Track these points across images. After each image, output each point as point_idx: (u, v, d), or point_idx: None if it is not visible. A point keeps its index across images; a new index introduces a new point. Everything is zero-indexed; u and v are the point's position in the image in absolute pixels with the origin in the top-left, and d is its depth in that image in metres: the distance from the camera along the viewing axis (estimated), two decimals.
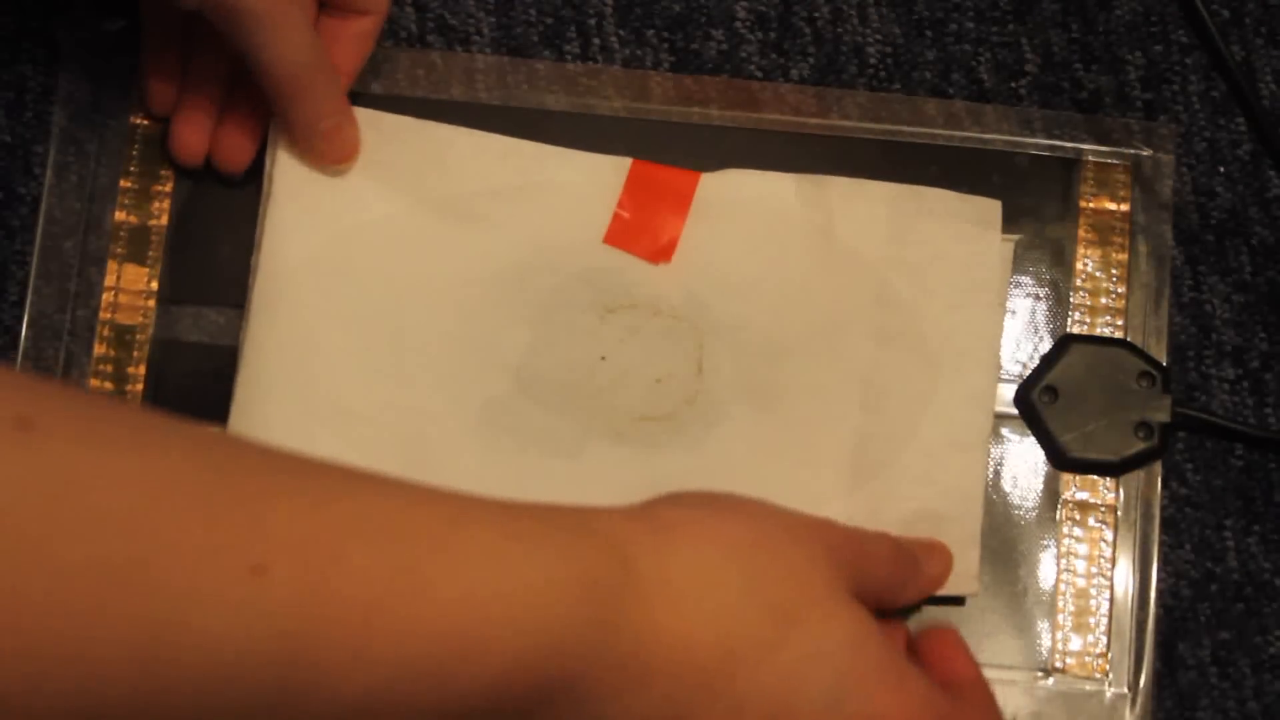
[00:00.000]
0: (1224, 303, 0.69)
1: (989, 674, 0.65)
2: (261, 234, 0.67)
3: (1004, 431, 0.67)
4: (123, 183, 0.68)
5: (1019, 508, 0.67)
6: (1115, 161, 0.69)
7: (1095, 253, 0.69)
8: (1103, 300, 0.68)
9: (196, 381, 0.67)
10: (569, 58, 0.71)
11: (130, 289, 0.68)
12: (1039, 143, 0.70)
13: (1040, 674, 0.66)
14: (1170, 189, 0.70)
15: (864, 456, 0.66)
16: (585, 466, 0.66)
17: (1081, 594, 0.66)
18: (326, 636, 0.47)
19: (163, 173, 0.69)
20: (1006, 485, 0.67)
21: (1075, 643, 0.66)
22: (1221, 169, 0.70)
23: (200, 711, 0.46)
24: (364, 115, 0.68)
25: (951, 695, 0.58)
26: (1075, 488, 0.67)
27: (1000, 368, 0.68)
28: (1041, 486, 0.67)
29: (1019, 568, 0.67)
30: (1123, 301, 0.69)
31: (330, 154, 0.66)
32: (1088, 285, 0.69)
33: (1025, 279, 0.69)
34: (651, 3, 0.71)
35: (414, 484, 0.51)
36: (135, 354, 0.67)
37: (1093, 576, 0.66)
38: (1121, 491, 0.67)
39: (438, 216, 0.68)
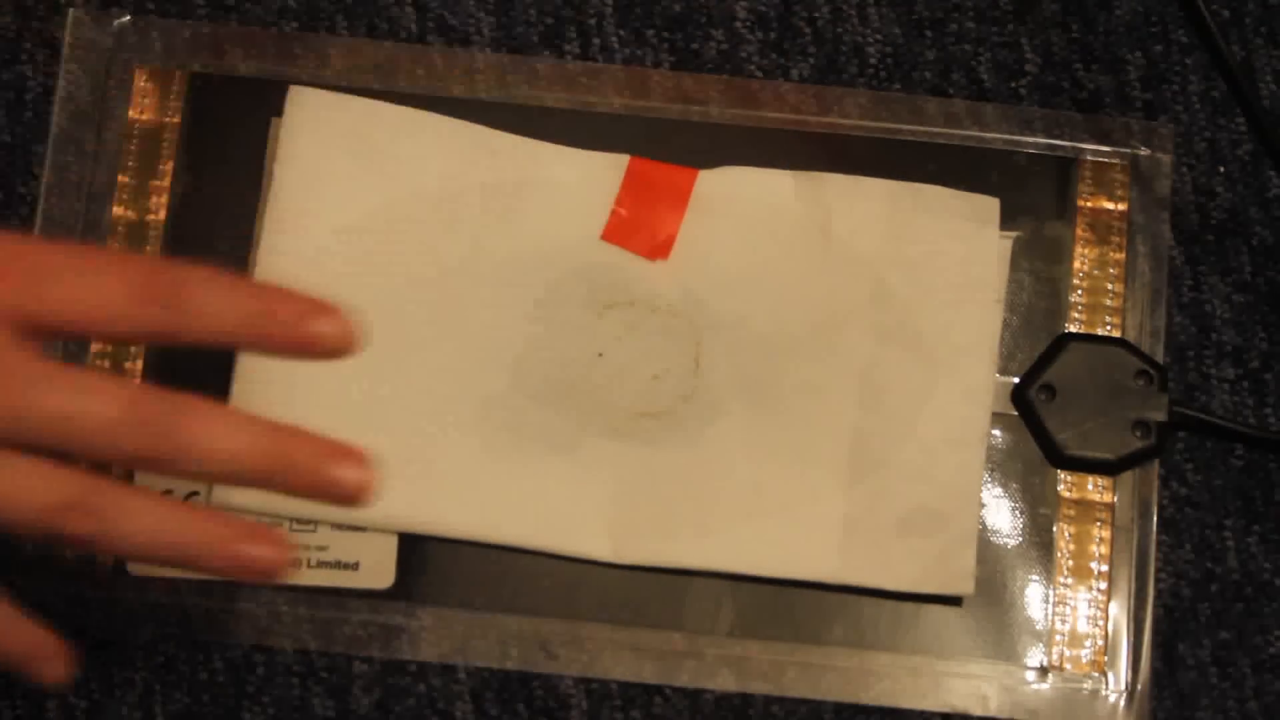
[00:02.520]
0: (1224, 303, 0.69)
1: (987, 672, 0.65)
2: (260, 229, 0.67)
3: (1001, 429, 0.67)
4: (120, 178, 0.69)
5: (1016, 506, 0.67)
6: (1113, 161, 0.69)
7: (1093, 252, 0.69)
8: (1100, 299, 0.68)
9: (193, 377, 0.67)
10: (569, 58, 0.71)
11: None
12: (1038, 142, 0.70)
13: (1038, 673, 0.66)
14: (1168, 188, 0.69)
15: (861, 454, 0.66)
16: (582, 463, 0.66)
17: (1079, 593, 0.66)
18: None
19: (160, 168, 0.69)
20: (1003, 483, 0.67)
21: (1074, 642, 0.66)
22: (1221, 169, 0.70)
23: None
24: (365, 106, 0.68)
25: None
26: (1072, 486, 0.67)
27: (998, 365, 0.67)
28: (1038, 484, 0.67)
29: (1016, 566, 0.66)
30: (1120, 300, 0.68)
31: None
32: (1085, 284, 0.69)
33: (1023, 277, 0.69)
34: (651, 3, 0.71)
35: None
36: (132, 349, 0.67)
37: (1091, 575, 0.66)
38: (1119, 490, 0.67)
39: (436, 211, 0.68)
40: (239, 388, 0.66)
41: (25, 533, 0.50)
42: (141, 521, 0.50)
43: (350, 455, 0.51)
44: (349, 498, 0.51)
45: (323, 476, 0.51)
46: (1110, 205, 0.69)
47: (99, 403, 0.49)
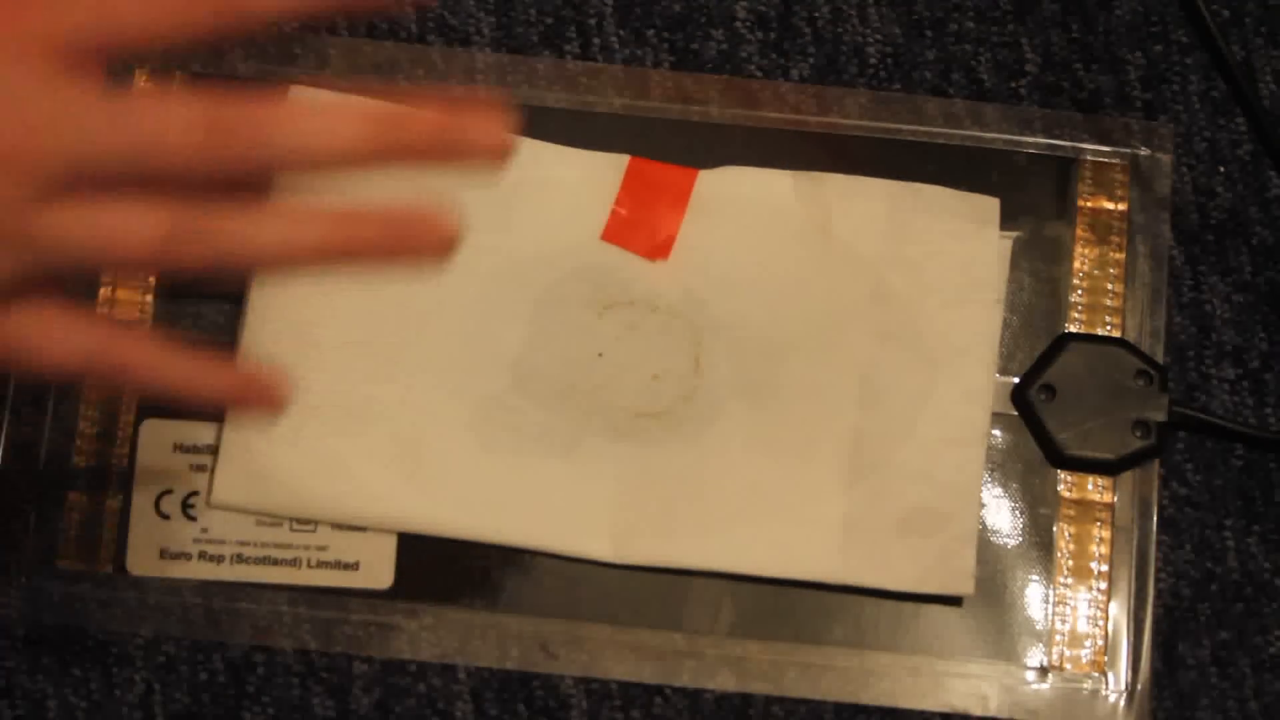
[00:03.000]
0: (1224, 303, 0.69)
1: (987, 672, 0.65)
2: None
3: (1001, 429, 0.67)
4: None
5: (1016, 506, 0.67)
6: (1113, 161, 0.69)
7: (1093, 252, 0.69)
8: (1100, 299, 0.68)
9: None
10: (569, 58, 0.71)
11: (128, 284, 0.68)
12: (1038, 142, 0.70)
13: (1038, 673, 0.66)
14: (1168, 188, 0.69)
15: (861, 454, 0.66)
16: (582, 463, 0.66)
17: (1079, 593, 0.66)
18: None
19: None
20: (1004, 483, 0.67)
21: (1074, 642, 0.66)
22: (1221, 169, 0.70)
23: None
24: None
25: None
26: (1072, 486, 0.67)
27: (998, 365, 0.67)
28: (1038, 484, 0.67)
29: (1016, 566, 0.66)
30: (1120, 300, 0.68)
31: None
32: (1085, 284, 0.69)
33: (1023, 277, 0.69)
34: (651, 3, 0.71)
35: None
36: None
37: (1091, 575, 0.66)
38: (1119, 490, 0.67)
39: None
40: None
41: (141, 268, 0.47)
42: (272, 228, 0.47)
43: (480, 113, 0.47)
44: (490, 155, 0.47)
45: (454, 140, 0.47)
46: (1110, 205, 0.69)
47: (176, 124, 0.46)
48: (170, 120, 0.46)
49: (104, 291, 0.68)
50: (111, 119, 0.46)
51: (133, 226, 0.46)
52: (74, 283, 0.67)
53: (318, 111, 0.47)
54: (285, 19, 0.47)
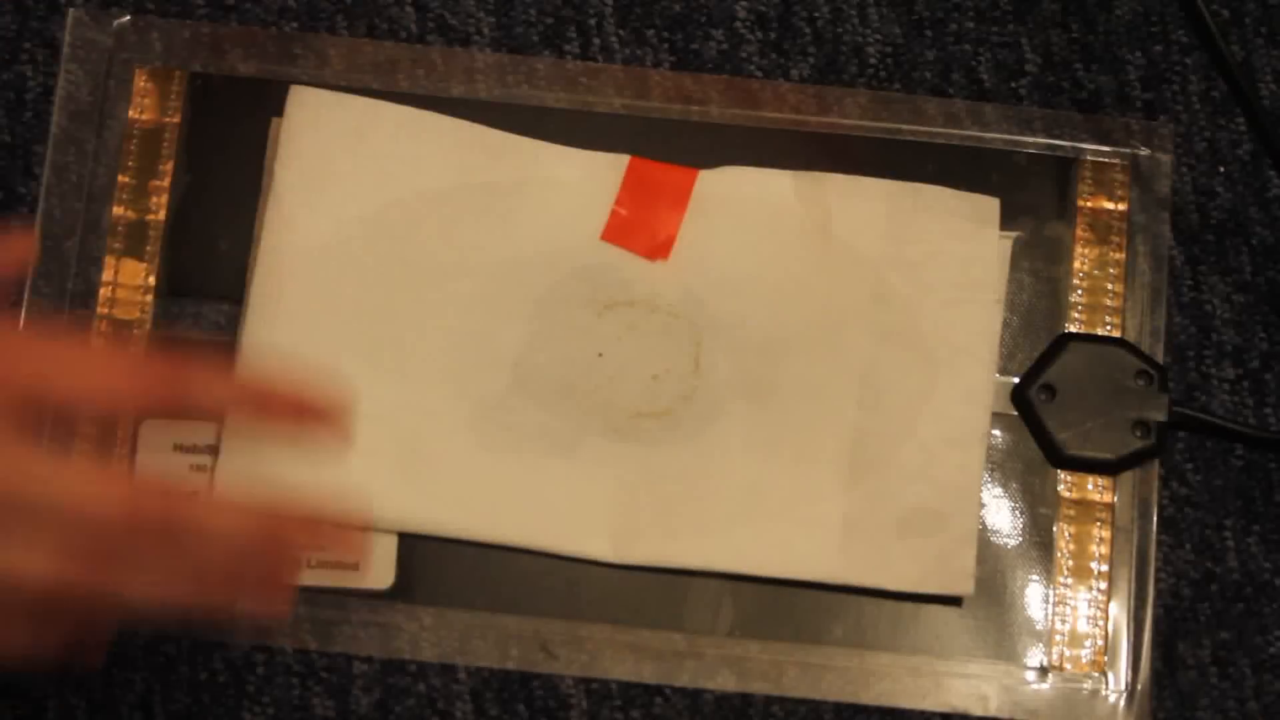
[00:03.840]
0: (1224, 303, 0.69)
1: (987, 672, 0.65)
2: (260, 228, 0.67)
3: (1001, 429, 0.67)
4: (120, 178, 0.69)
5: (1016, 506, 0.67)
6: (1114, 161, 0.69)
7: (1093, 252, 0.69)
8: (1100, 299, 0.68)
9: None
10: (569, 58, 0.71)
11: (128, 284, 0.68)
12: (1038, 142, 0.70)
13: (1039, 673, 0.66)
14: (1168, 188, 0.69)
15: (861, 454, 0.66)
16: (582, 463, 0.66)
17: (1079, 593, 0.66)
18: None
19: (161, 168, 0.69)
20: (1003, 483, 0.67)
21: (1074, 642, 0.66)
22: (1221, 169, 0.70)
23: None
24: (365, 106, 0.68)
25: None
26: (1072, 486, 0.67)
27: (998, 365, 0.67)
28: (1038, 484, 0.67)
29: (1016, 566, 0.66)
30: (1120, 300, 0.68)
31: None
32: (1085, 284, 0.69)
33: (1023, 277, 0.69)
34: (651, 3, 0.71)
35: None
36: (132, 349, 0.67)
37: (1091, 575, 0.66)
38: (1119, 490, 0.67)
39: (436, 211, 0.68)
40: None
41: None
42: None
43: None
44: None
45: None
46: (1110, 205, 0.69)
47: (100, 496, 0.49)
48: (94, 492, 0.49)
49: (104, 291, 0.68)
50: (40, 481, 0.49)
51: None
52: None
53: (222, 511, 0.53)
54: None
